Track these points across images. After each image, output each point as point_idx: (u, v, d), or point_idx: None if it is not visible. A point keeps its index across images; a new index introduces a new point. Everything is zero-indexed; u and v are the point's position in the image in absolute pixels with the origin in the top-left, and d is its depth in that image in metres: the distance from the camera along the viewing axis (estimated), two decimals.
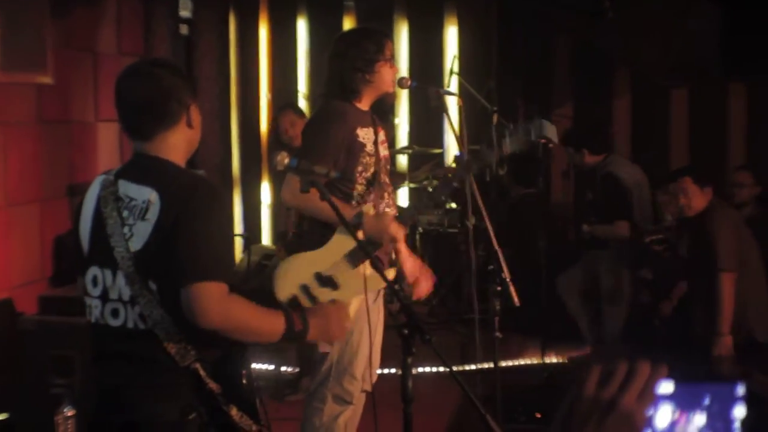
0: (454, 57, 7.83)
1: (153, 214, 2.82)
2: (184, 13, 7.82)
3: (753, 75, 7.81)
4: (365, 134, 4.20)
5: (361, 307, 4.12)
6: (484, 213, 4.27)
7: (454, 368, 2.85)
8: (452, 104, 5.90)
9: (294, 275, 4.10)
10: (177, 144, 2.97)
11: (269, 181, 8.80)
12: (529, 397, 6.11)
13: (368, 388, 4.37)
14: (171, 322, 2.80)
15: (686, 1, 6.90)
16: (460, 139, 4.41)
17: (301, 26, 8.73)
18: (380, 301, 4.38)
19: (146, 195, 2.85)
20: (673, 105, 8.29)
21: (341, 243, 4.07)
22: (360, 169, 4.17)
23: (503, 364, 6.62)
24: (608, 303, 6.73)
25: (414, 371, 2.88)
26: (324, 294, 4.04)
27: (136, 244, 2.83)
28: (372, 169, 4.20)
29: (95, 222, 2.92)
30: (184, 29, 7.88)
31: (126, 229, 2.84)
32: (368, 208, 4.05)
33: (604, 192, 6.75)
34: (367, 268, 4.03)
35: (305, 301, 4.03)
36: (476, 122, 6.54)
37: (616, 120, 8.38)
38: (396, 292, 3.25)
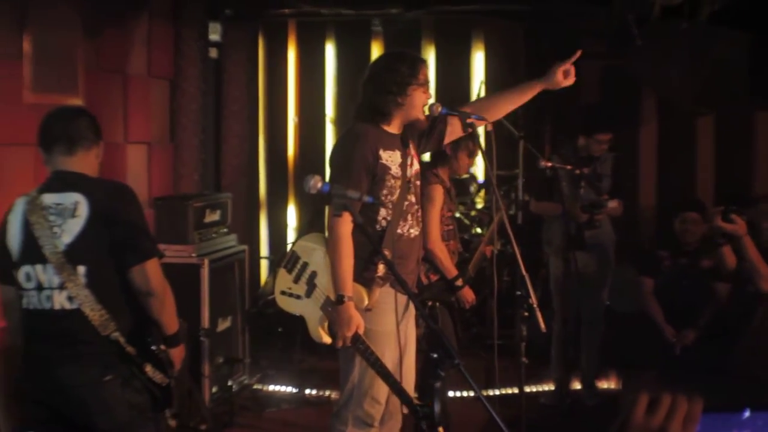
0: (481, 82, 7.87)
1: (83, 212, 3.54)
2: (214, 36, 7.91)
3: None
4: (389, 156, 4.14)
5: (382, 330, 4.10)
6: (512, 238, 4.25)
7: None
8: (480, 130, 5.91)
9: (312, 250, 4.20)
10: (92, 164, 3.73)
11: (295, 204, 8.83)
12: (553, 422, 6.11)
13: (404, 410, 4.32)
14: (94, 300, 3.52)
15: (714, 28, 6.90)
16: (489, 164, 4.39)
17: (329, 50, 8.78)
18: (411, 322, 4.32)
19: (73, 198, 3.57)
20: (698, 132, 8.28)
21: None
22: (385, 192, 4.11)
23: (528, 389, 6.63)
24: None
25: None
26: (301, 287, 4.20)
27: (67, 239, 3.53)
28: (398, 192, 4.15)
29: (24, 230, 3.59)
30: (213, 52, 7.98)
31: (56, 230, 3.54)
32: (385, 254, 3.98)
33: (616, 170, 6.59)
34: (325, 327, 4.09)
35: (295, 268, 4.24)
36: (504, 148, 6.56)
37: (643, 146, 8.37)
38: (426, 318, 3.25)
